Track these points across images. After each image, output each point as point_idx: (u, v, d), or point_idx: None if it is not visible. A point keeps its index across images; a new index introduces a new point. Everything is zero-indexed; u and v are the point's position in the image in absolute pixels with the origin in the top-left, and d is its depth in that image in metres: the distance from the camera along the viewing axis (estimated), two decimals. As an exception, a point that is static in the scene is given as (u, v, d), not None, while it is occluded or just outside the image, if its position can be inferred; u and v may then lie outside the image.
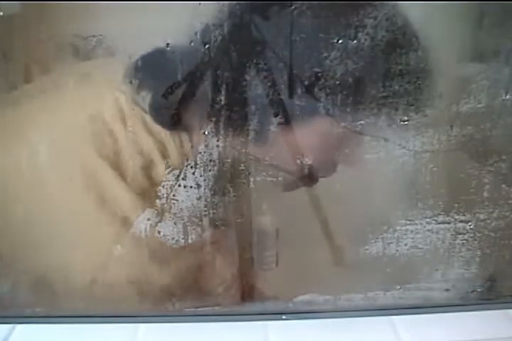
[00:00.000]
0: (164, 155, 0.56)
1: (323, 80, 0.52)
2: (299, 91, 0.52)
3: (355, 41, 0.50)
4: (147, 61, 0.54)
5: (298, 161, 0.57)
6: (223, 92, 0.52)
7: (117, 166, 0.55)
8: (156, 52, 0.54)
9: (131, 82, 0.55)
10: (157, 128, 0.56)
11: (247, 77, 0.52)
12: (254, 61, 0.51)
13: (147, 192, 0.56)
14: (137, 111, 0.55)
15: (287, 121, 0.54)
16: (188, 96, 0.53)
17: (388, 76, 0.52)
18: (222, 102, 0.52)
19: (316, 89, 0.52)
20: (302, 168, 0.58)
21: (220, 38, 0.50)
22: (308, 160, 0.57)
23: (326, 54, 0.51)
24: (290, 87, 0.52)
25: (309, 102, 0.53)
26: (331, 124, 0.55)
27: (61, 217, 0.55)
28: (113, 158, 0.54)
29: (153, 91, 0.55)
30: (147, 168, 0.56)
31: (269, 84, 0.52)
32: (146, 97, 0.55)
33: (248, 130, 0.54)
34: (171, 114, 0.55)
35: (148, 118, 0.56)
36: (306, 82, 0.52)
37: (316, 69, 0.51)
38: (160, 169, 0.56)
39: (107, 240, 0.55)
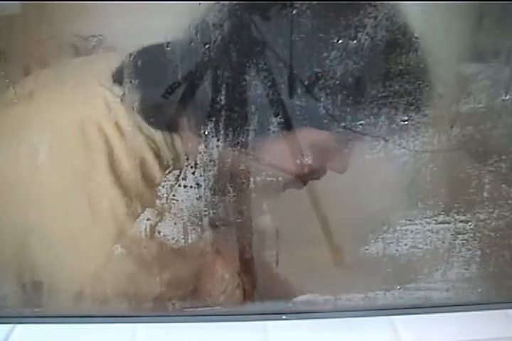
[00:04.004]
0: (156, 153, 0.56)
1: (323, 80, 0.52)
2: (299, 91, 0.52)
3: (355, 41, 0.50)
4: (135, 60, 0.54)
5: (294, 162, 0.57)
6: (223, 92, 0.52)
7: (111, 167, 0.54)
8: (146, 51, 0.53)
9: (119, 82, 0.55)
10: (148, 127, 0.56)
11: (247, 77, 0.52)
12: (254, 61, 0.51)
13: (141, 192, 0.56)
14: (127, 109, 0.55)
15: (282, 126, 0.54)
16: (187, 95, 0.53)
17: (388, 76, 0.52)
18: (222, 102, 0.52)
19: (316, 89, 0.52)
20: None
21: (220, 37, 0.50)
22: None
23: (326, 54, 0.50)
24: (290, 87, 0.52)
25: (299, 107, 0.53)
26: (321, 132, 0.55)
27: (56, 217, 0.55)
28: (106, 158, 0.54)
29: (143, 91, 0.54)
30: (141, 166, 0.56)
31: (269, 84, 0.52)
32: (135, 96, 0.55)
33: (248, 130, 0.54)
34: (163, 112, 0.55)
35: (139, 118, 0.55)
36: (306, 82, 0.52)
37: (316, 69, 0.51)
38: (153, 167, 0.56)
39: (103, 241, 0.55)
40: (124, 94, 0.55)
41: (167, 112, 0.55)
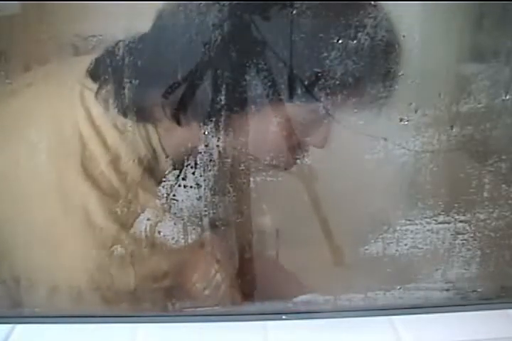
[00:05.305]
0: (132, 149, 0.56)
1: (323, 80, 0.52)
2: (299, 91, 0.52)
3: (355, 41, 0.50)
4: (109, 57, 0.54)
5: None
6: (224, 92, 0.52)
7: (85, 166, 0.54)
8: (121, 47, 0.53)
9: (94, 78, 0.55)
10: (123, 122, 0.55)
11: (247, 77, 0.52)
12: (255, 61, 0.51)
13: (117, 188, 0.55)
14: (101, 103, 0.55)
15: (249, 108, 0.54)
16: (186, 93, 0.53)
17: (388, 76, 0.52)
18: (222, 102, 0.52)
19: (316, 89, 0.52)
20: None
21: (220, 37, 0.50)
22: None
23: (326, 54, 0.51)
24: (290, 87, 0.52)
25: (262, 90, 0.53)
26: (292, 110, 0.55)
27: (41, 218, 0.55)
28: (80, 158, 0.54)
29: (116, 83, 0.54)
30: (115, 162, 0.55)
31: (269, 84, 0.52)
32: (111, 91, 0.55)
33: (248, 130, 0.54)
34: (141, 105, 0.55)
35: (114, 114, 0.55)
36: (306, 82, 0.52)
37: (316, 69, 0.51)
38: (129, 164, 0.56)
39: (78, 237, 0.55)
40: (98, 89, 0.55)
41: (145, 104, 0.55)
